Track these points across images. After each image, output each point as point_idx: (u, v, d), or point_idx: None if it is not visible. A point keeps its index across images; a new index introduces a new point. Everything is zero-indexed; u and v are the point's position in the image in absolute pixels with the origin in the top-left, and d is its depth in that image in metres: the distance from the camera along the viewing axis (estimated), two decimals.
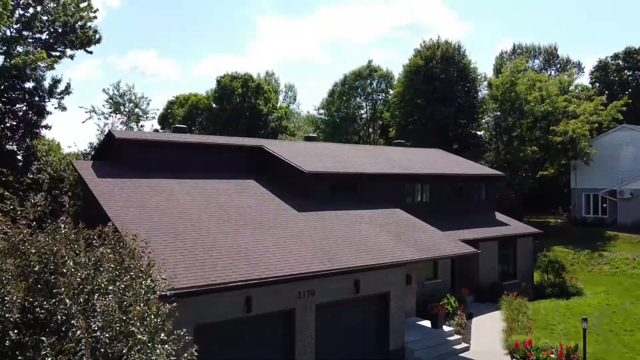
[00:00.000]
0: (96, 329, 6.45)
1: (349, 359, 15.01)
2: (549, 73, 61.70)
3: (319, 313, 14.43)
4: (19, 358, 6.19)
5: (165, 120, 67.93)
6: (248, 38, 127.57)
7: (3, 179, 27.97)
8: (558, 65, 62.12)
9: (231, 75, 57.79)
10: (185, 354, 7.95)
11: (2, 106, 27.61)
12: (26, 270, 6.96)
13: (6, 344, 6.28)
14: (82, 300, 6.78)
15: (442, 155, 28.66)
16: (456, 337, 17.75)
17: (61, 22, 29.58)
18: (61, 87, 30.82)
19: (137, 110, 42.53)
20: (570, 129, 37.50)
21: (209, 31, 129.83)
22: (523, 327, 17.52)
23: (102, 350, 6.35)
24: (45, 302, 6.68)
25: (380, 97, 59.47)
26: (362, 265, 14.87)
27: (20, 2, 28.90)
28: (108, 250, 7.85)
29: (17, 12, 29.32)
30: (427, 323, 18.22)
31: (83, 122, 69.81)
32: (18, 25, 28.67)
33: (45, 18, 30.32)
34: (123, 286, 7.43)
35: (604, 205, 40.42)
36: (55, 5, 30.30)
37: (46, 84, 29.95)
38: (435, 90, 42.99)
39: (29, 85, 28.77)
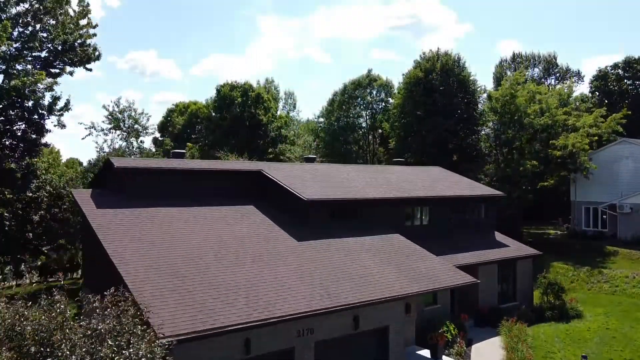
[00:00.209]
0: None
1: None
2: (548, 82, 61.75)
3: (318, 350, 14.42)
4: None
5: (165, 128, 67.99)
6: (248, 38, 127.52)
7: (1, 197, 27.99)
8: (558, 74, 62.09)
9: (231, 85, 57.74)
10: None
11: (1, 126, 27.61)
12: (23, 350, 6.93)
13: None
14: None
15: (441, 174, 28.63)
16: None
17: (60, 41, 29.55)
18: (60, 103, 30.99)
19: (136, 126, 42.54)
20: (570, 143, 37.46)
21: (209, 31, 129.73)
22: (523, 357, 17.47)
23: None
24: None
25: (380, 107, 59.40)
26: (361, 302, 14.84)
27: (20, 21, 28.89)
28: (114, 323, 7.78)
29: (16, 29, 29.33)
30: (426, 353, 18.19)
31: (82, 138, 70.14)
32: (17, 44, 28.64)
33: (44, 35, 30.30)
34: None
35: (604, 216, 40.38)
36: (54, 22, 30.29)
37: (45, 101, 30.03)
38: (435, 103, 42.97)
39: (28, 103, 28.77)
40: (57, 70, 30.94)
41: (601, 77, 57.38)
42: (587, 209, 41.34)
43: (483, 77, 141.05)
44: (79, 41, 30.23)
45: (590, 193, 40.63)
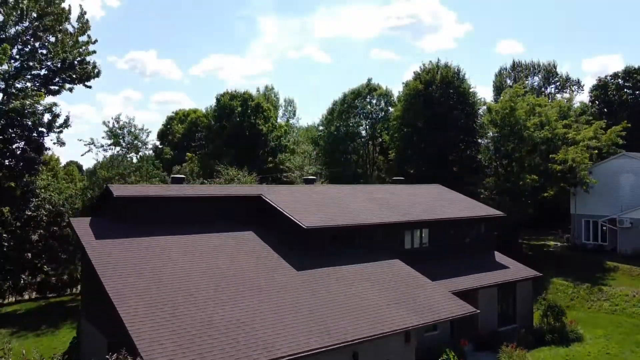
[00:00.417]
0: None
1: None
2: (548, 91, 61.80)
3: None
4: None
5: (164, 136, 68.02)
6: (248, 38, 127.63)
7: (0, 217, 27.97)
8: (557, 83, 62.09)
9: (231, 94, 57.79)
10: None
11: (1, 146, 27.58)
12: None
13: None
14: None
15: (441, 192, 28.61)
16: None
17: (60, 59, 29.54)
18: (60, 120, 30.97)
19: (136, 142, 42.59)
20: (570, 158, 37.42)
21: (209, 31, 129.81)
22: None
23: None
24: None
25: (380, 115, 59.40)
26: (361, 338, 14.81)
27: (19, 39, 28.87)
28: None
29: (16, 47, 29.31)
30: None
31: (82, 154, 70.29)
32: (17, 63, 28.63)
33: (44, 52, 30.28)
34: None
35: (604, 228, 40.34)
36: (54, 40, 30.28)
37: (45, 118, 30.01)
38: (435, 115, 42.98)
39: (28, 122, 28.74)
40: (57, 88, 30.98)
41: (601, 87, 57.39)
42: (587, 222, 41.30)
43: (483, 77, 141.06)
44: (78, 59, 30.20)
45: (590, 206, 40.60)
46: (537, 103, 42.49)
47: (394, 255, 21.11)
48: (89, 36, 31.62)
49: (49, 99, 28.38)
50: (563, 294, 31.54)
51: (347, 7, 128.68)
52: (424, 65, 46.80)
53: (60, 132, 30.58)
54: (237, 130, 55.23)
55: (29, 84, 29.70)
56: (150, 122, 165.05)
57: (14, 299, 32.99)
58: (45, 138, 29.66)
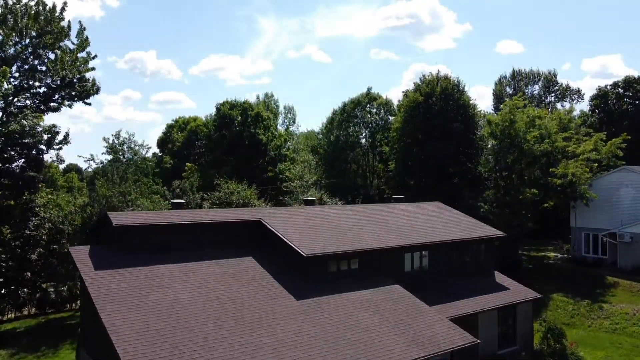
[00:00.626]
0: None
1: None
2: (548, 100, 61.79)
3: None
4: None
5: (164, 144, 67.96)
6: (247, 38, 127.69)
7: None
8: (558, 92, 62.07)
9: (230, 103, 57.82)
10: None
11: (1, 165, 27.55)
12: None
13: None
14: None
15: (441, 211, 28.56)
16: None
17: (59, 77, 29.50)
18: (59, 136, 30.92)
19: (135, 157, 42.58)
20: (570, 172, 37.37)
21: (208, 31, 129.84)
22: None
23: None
24: None
25: (380, 124, 59.36)
26: None
27: (19, 57, 28.85)
28: None
29: (15, 64, 29.29)
30: None
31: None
32: (17, 82, 28.61)
33: (43, 69, 30.24)
34: None
35: (604, 239, 40.29)
36: (53, 57, 30.25)
37: (44, 135, 29.95)
38: (435, 127, 42.95)
39: (28, 140, 28.69)
40: (56, 105, 30.95)
41: (601, 96, 57.37)
42: (587, 235, 41.30)
43: (483, 77, 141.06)
44: (77, 76, 30.17)
45: (591, 219, 40.57)
46: (537, 115, 42.43)
47: (394, 277, 21.11)
48: (88, 53, 31.59)
49: (48, 117, 28.32)
50: (563, 311, 31.49)
51: (346, 7, 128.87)
52: (423, 76, 46.86)
53: (60, 149, 30.58)
54: (236, 140, 55.26)
55: (28, 102, 29.66)
56: (150, 122, 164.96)
57: (13, 315, 32.94)
58: (44, 155, 29.59)
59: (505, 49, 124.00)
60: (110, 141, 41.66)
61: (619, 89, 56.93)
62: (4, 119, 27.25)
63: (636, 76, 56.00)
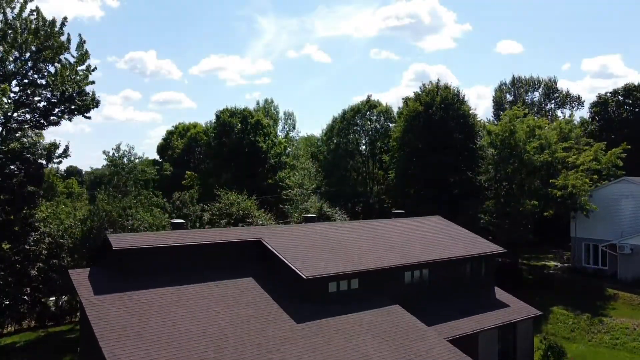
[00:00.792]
0: None
1: None
2: (548, 106, 61.80)
3: None
4: None
5: (164, 151, 67.99)
6: (247, 38, 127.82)
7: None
8: (558, 99, 62.08)
9: (230, 111, 57.82)
10: None
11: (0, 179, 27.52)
12: None
13: None
14: None
15: (441, 226, 28.54)
16: None
17: (59, 91, 29.47)
18: (59, 150, 30.88)
19: (135, 171, 42.61)
20: (570, 184, 37.35)
21: (208, 31, 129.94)
22: None
23: None
24: None
25: (380, 131, 59.35)
26: None
27: (19, 72, 28.82)
28: None
29: (15, 79, 29.26)
30: None
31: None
32: (16, 96, 28.58)
33: (43, 82, 30.20)
34: None
35: (604, 249, 40.27)
36: (53, 70, 30.22)
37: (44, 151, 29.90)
38: (435, 137, 42.95)
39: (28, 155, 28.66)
40: (56, 118, 30.90)
41: (601, 104, 57.38)
42: (587, 245, 41.28)
43: (482, 77, 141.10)
44: (77, 90, 30.12)
45: (591, 230, 40.57)
46: (537, 125, 42.41)
47: (394, 295, 21.12)
48: (88, 66, 31.56)
49: (48, 130, 28.30)
50: (563, 325, 31.48)
51: (346, 7, 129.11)
52: (424, 85, 46.89)
53: (60, 162, 30.55)
54: (236, 148, 55.28)
55: (28, 116, 29.62)
56: (150, 122, 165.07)
57: (13, 329, 32.89)
58: (43, 170, 29.54)
59: (505, 49, 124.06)
60: (111, 154, 41.77)
61: (619, 97, 56.92)
62: (4, 134, 27.20)
63: (636, 84, 55.98)
